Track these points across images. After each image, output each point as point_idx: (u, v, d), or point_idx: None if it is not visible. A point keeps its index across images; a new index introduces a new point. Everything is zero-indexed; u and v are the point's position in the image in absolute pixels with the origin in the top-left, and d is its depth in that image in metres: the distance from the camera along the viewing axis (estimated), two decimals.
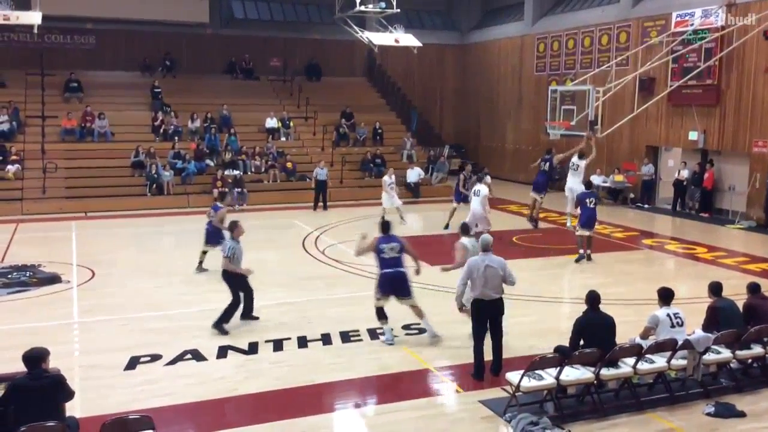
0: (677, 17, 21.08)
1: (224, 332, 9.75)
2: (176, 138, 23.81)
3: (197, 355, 8.97)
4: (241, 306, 10.24)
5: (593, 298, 7.85)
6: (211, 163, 23.22)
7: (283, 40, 29.36)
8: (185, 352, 9.07)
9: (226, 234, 10.75)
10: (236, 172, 22.60)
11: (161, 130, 24.21)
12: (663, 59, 20.62)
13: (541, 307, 11.48)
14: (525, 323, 10.58)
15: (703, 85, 20.47)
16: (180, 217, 19.85)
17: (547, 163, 17.99)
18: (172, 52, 27.71)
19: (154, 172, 21.82)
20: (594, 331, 7.68)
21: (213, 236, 13.06)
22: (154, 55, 27.31)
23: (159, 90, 25.73)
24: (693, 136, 20.99)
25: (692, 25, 20.46)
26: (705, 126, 20.70)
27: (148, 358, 8.82)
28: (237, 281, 10.12)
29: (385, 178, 19.48)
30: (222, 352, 9.13)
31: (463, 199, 17.93)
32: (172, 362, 8.77)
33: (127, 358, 8.81)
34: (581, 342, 7.71)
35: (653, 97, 20.71)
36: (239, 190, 21.89)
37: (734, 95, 19.87)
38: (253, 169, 23.54)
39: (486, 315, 8.41)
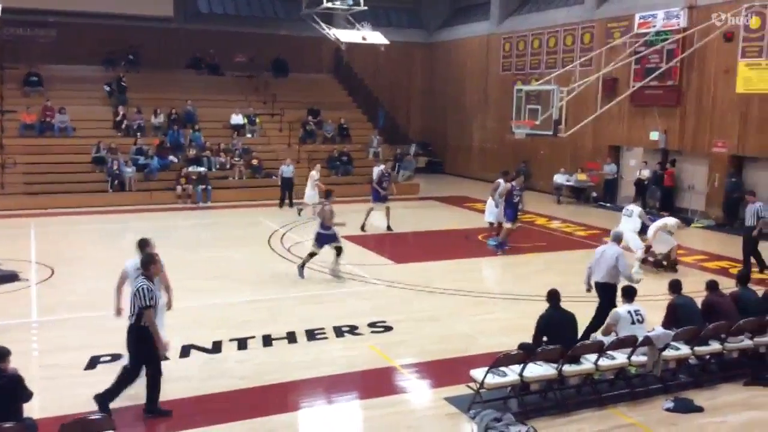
0: (640, 18, 21.42)
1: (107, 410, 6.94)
2: (139, 134, 23.45)
3: (163, 355, 8.82)
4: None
5: (554, 296, 7.98)
6: (175, 160, 22.91)
7: (249, 35, 29.06)
8: None
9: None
10: (201, 169, 22.34)
11: (123, 126, 23.81)
12: (626, 60, 20.94)
13: (507, 305, 11.59)
14: (491, 320, 10.68)
15: (664, 86, 20.85)
16: (142, 214, 19.55)
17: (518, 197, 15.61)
18: (136, 46, 27.23)
19: (115, 168, 21.46)
20: (557, 328, 7.79)
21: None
22: (117, 49, 26.83)
23: (115, 85, 25.17)
24: (654, 136, 21.35)
25: (654, 26, 20.82)
26: (666, 126, 21.09)
27: (109, 358, 8.65)
28: (148, 346, 7.20)
29: (312, 173, 19.53)
30: (185, 351, 9.02)
31: (379, 198, 17.73)
32: None
33: (88, 357, 8.66)
34: (545, 339, 7.81)
35: (616, 98, 21.03)
36: (203, 187, 21.66)
37: (695, 96, 20.27)
38: (218, 166, 23.29)
39: (600, 295, 9.54)
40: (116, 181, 21.38)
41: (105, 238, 16.70)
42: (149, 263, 7.44)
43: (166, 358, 7.87)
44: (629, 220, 13.94)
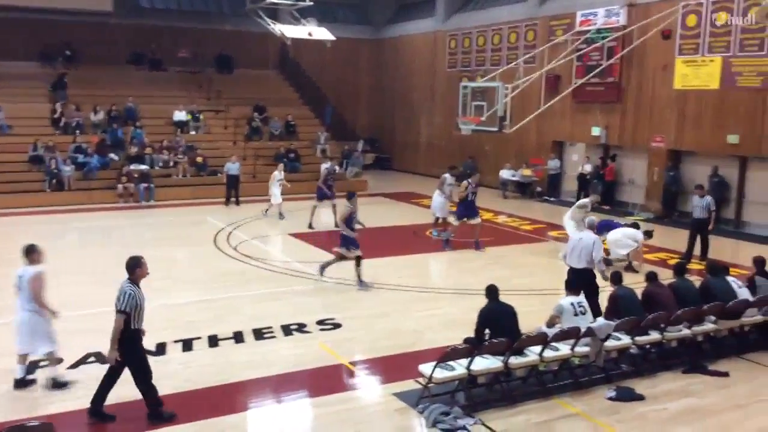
0: (582, 16, 21.89)
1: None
2: (78, 131, 22.78)
3: (101, 358, 8.55)
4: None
5: (492, 290, 8.12)
6: (116, 158, 22.34)
7: (193, 30, 28.53)
8: (88, 355, 8.69)
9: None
10: (143, 167, 21.84)
11: (61, 123, 23.09)
12: (568, 57, 21.34)
13: (454, 300, 11.68)
14: (438, 315, 10.74)
15: (605, 83, 21.36)
16: (82, 214, 19.01)
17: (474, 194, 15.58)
18: (74, 41, 26.42)
19: (53, 167, 20.79)
20: (497, 321, 7.92)
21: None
22: (55, 44, 25.97)
23: (58, 81, 24.45)
24: (596, 131, 21.86)
25: (595, 24, 21.29)
26: (607, 122, 21.60)
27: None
28: (136, 346, 7.17)
29: (276, 173, 19.34)
30: None
31: (324, 196, 17.74)
32: (75, 366, 8.39)
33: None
34: (486, 331, 7.92)
35: (559, 94, 21.41)
36: (146, 185, 21.19)
37: (634, 92, 20.82)
38: (161, 164, 22.80)
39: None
40: (54, 181, 20.73)
41: (42, 240, 16.05)
42: (135, 267, 7.01)
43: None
44: (570, 208, 14.88)
